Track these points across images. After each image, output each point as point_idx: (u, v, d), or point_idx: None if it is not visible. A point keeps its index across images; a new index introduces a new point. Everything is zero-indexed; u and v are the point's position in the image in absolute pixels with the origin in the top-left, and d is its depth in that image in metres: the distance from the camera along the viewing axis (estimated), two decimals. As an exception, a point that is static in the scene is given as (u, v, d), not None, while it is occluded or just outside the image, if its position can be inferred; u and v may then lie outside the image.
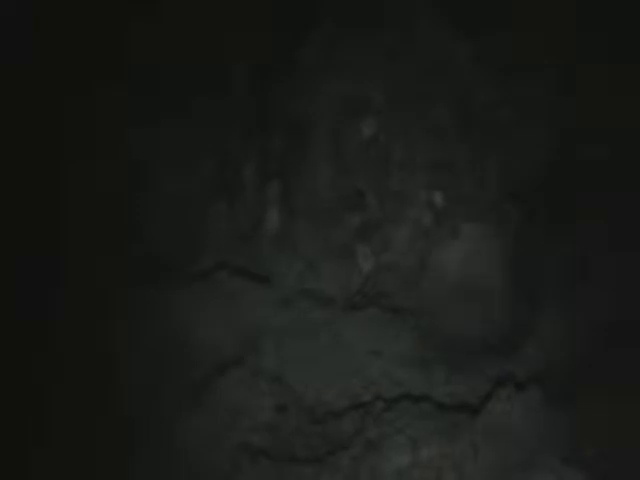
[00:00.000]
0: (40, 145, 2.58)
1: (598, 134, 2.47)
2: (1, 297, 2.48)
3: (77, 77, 2.56)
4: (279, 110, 2.57)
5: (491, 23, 2.51)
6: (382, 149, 2.53)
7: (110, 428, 2.42)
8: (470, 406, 2.40)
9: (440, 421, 2.39)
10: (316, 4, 2.58)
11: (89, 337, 2.47)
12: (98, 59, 2.59)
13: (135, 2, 2.60)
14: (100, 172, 2.55)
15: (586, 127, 2.48)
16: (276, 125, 2.57)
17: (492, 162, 2.51)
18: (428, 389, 2.42)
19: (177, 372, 2.45)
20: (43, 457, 2.42)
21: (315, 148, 2.54)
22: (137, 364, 2.46)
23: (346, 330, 2.47)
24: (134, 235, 2.54)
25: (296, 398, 2.41)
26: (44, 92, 2.57)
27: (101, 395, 2.44)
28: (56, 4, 2.54)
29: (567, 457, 2.34)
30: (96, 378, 2.45)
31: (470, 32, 2.50)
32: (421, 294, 2.48)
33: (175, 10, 2.60)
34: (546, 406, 2.38)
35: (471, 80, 2.50)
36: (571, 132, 2.49)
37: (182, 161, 2.58)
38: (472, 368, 2.43)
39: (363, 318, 2.48)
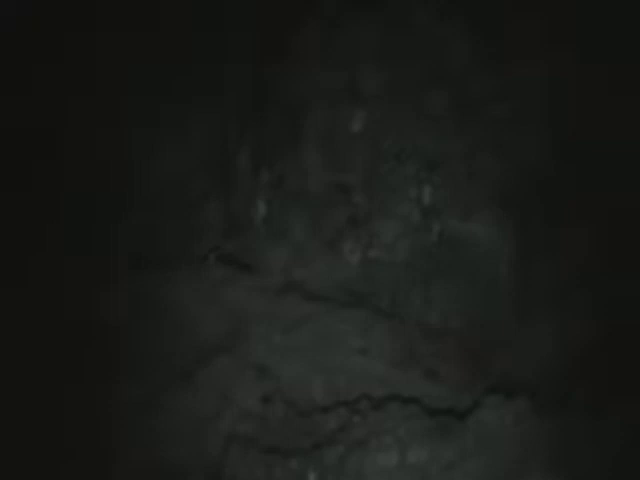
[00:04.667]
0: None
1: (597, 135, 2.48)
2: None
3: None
4: (273, 97, 2.59)
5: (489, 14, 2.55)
6: (373, 141, 2.55)
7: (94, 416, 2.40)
8: (458, 411, 2.38)
9: (428, 424, 2.37)
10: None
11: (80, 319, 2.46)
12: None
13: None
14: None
15: (585, 128, 2.48)
16: (270, 113, 2.59)
17: (486, 159, 2.52)
18: (415, 391, 2.39)
19: (163, 358, 2.44)
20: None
21: (306, 138, 2.55)
22: (126, 343, 2.45)
23: (335, 326, 2.45)
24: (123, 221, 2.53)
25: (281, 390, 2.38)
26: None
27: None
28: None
29: (557, 468, 2.30)
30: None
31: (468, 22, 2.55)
32: (409, 294, 2.47)
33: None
34: (536, 413, 2.36)
35: (468, 72, 2.53)
36: (569, 132, 2.49)
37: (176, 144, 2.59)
38: (460, 372, 2.40)
39: (353, 315, 2.46)
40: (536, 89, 2.48)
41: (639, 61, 2.47)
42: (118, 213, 2.51)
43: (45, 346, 2.44)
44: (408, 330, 2.44)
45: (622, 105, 2.45)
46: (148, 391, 2.41)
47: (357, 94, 2.54)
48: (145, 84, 2.59)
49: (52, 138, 2.55)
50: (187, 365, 2.41)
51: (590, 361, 2.36)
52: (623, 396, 2.32)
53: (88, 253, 2.49)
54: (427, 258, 2.47)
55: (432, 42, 2.54)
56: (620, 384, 2.34)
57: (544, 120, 2.48)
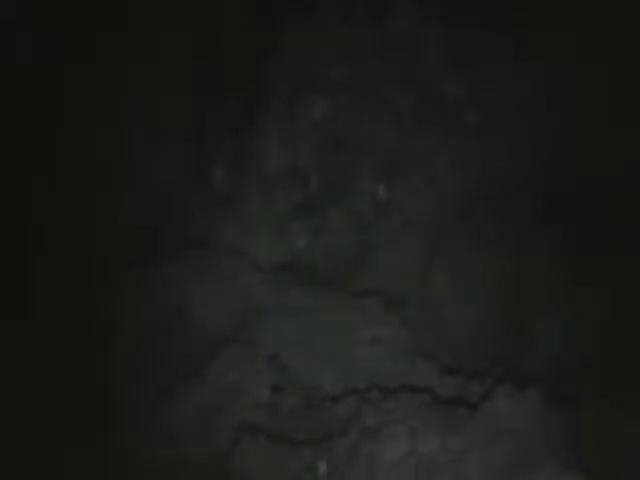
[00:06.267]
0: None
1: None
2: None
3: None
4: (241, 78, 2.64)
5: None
6: (334, 131, 2.54)
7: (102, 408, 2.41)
8: (469, 401, 2.36)
9: (439, 414, 2.34)
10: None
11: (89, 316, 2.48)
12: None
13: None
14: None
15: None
16: (236, 93, 2.63)
17: (447, 161, 2.49)
18: (426, 381, 2.39)
19: (172, 350, 2.46)
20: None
21: (269, 119, 2.60)
22: (134, 341, 2.49)
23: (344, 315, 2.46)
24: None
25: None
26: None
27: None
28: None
29: (567, 459, 2.28)
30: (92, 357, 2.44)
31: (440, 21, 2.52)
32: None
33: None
34: (546, 406, 2.32)
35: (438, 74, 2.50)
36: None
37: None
38: (470, 365, 2.41)
39: (361, 304, 2.47)
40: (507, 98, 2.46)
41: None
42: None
43: (48, 345, 2.46)
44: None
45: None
46: (157, 387, 2.43)
47: (323, 83, 2.57)
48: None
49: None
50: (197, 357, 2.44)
51: (599, 348, 2.34)
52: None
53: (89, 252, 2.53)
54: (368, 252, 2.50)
55: (406, 44, 2.52)
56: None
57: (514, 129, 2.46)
